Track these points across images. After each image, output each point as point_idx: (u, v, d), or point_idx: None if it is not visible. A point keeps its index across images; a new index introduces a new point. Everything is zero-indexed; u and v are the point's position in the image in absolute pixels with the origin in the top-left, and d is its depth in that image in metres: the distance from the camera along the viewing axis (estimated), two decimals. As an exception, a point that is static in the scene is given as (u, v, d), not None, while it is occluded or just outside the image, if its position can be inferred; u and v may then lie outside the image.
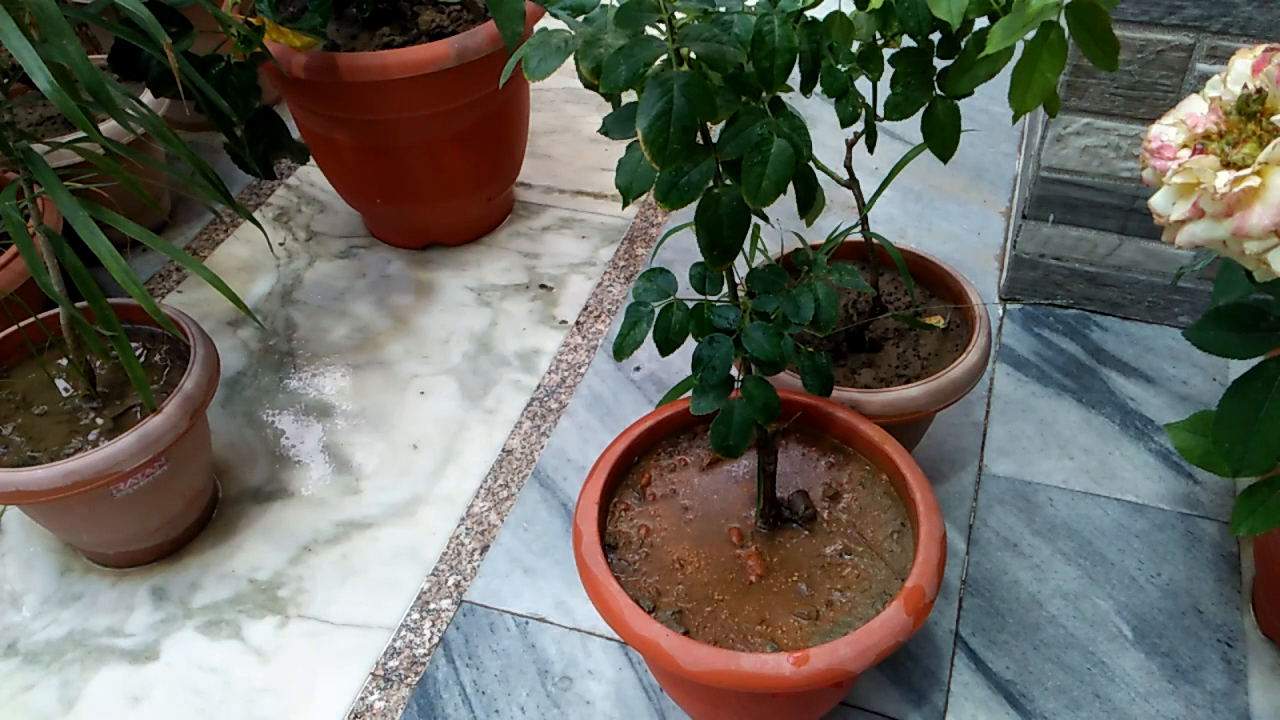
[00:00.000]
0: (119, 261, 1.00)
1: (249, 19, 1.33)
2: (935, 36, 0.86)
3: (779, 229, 1.18)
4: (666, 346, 0.84)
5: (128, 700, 1.10)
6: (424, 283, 1.61)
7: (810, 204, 0.86)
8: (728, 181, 0.74)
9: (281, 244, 1.70)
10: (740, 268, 1.07)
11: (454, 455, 1.34)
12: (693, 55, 0.68)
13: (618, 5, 0.68)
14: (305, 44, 1.36)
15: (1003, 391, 1.35)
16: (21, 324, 1.22)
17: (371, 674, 1.10)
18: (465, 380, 1.44)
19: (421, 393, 1.43)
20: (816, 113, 1.83)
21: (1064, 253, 1.40)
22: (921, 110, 0.89)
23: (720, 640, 0.88)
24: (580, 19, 0.73)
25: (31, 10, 0.90)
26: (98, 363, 1.21)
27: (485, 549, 1.22)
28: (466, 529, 1.24)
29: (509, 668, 1.10)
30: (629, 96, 0.71)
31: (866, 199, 1.08)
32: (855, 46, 0.89)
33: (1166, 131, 0.75)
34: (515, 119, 1.62)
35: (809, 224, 0.91)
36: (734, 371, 0.86)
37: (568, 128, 1.93)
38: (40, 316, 1.20)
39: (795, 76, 0.77)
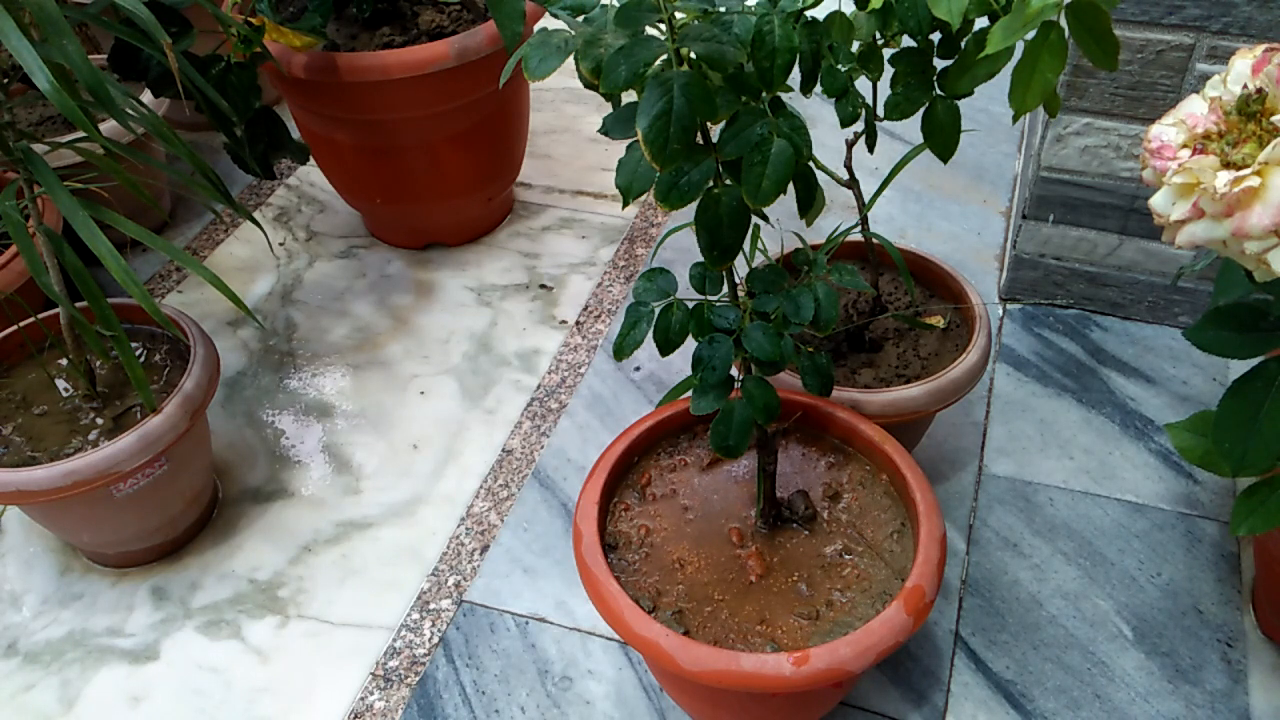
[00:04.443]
0: (119, 261, 1.00)
1: (249, 19, 1.33)
2: (935, 36, 0.86)
3: (779, 229, 1.18)
4: (666, 346, 0.84)
5: (128, 700, 1.10)
6: (424, 283, 1.61)
7: (810, 204, 0.86)
8: (728, 181, 0.74)
9: (281, 244, 1.70)
10: (740, 268, 1.07)
11: (454, 455, 1.34)
12: (693, 55, 0.68)
13: (618, 5, 0.68)
14: (305, 44, 1.36)
15: (1003, 391, 1.35)
16: (21, 324, 1.22)
17: (371, 674, 1.10)
18: (465, 380, 1.44)
19: (421, 393, 1.43)
20: (816, 113, 1.83)
21: (1064, 253, 1.40)
22: (921, 110, 0.89)
23: (720, 640, 0.88)
24: (580, 19, 0.73)
25: (31, 10, 0.90)
26: (98, 363, 1.21)
27: (485, 549, 1.22)
28: (466, 529, 1.24)
29: (509, 668, 1.10)
30: (629, 96, 0.71)
31: (866, 199, 1.08)
32: (855, 46, 0.89)
33: (1166, 131, 0.75)
34: (515, 119, 1.62)
35: (809, 224, 0.91)
36: (734, 371, 0.86)
37: (568, 128, 1.93)
38: (40, 316, 1.20)
39: (795, 76, 0.77)
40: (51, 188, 1.00)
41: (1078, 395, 1.33)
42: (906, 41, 0.87)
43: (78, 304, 1.12)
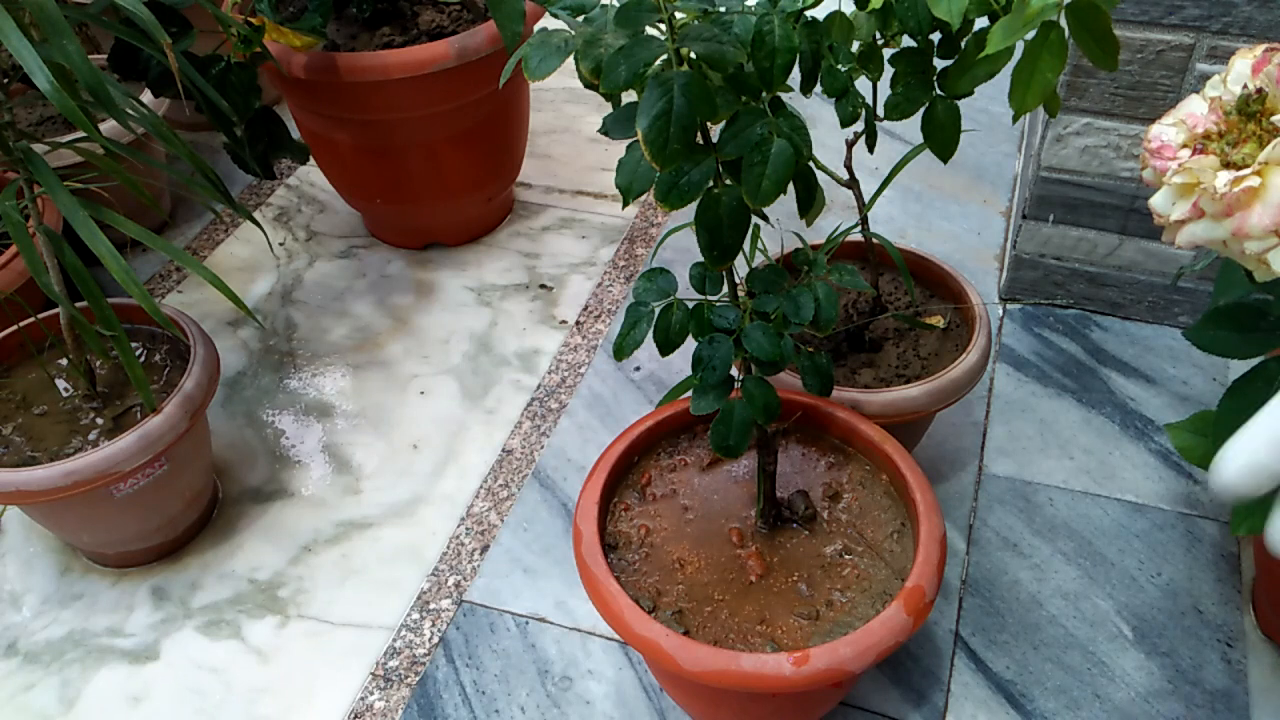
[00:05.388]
0: (119, 261, 1.00)
1: (249, 19, 1.33)
2: (935, 36, 0.86)
3: (779, 229, 1.18)
4: (666, 346, 0.84)
5: (128, 700, 1.10)
6: (424, 283, 1.61)
7: (810, 204, 0.86)
8: (728, 181, 0.74)
9: (281, 244, 1.70)
10: (740, 268, 1.07)
11: (454, 455, 1.34)
12: (693, 55, 0.68)
13: (618, 5, 0.68)
14: (305, 44, 1.36)
15: (1003, 391, 1.35)
16: (21, 324, 1.22)
17: (371, 674, 1.10)
18: (465, 380, 1.44)
19: (421, 393, 1.43)
20: (816, 113, 1.83)
21: (1064, 253, 1.40)
22: (921, 110, 0.89)
23: (720, 640, 0.88)
24: (580, 19, 0.73)
25: (31, 10, 0.90)
26: (98, 363, 1.21)
27: (485, 549, 1.22)
28: (466, 529, 1.24)
29: (509, 668, 1.10)
30: (629, 96, 0.71)
31: (866, 199, 1.08)
32: (855, 46, 0.89)
33: (1166, 131, 0.75)
34: (515, 119, 1.62)
35: (809, 224, 0.91)
36: (734, 371, 0.86)
37: (568, 128, 1.93)
38: (40, 316, 1.20)
39: (795, 76, 0.77)
40: (51, 188, 1.00)
41: (1078, 395, 1.33)
42: (906, 41, 0.87)
43: (78, 304, 1.12)
